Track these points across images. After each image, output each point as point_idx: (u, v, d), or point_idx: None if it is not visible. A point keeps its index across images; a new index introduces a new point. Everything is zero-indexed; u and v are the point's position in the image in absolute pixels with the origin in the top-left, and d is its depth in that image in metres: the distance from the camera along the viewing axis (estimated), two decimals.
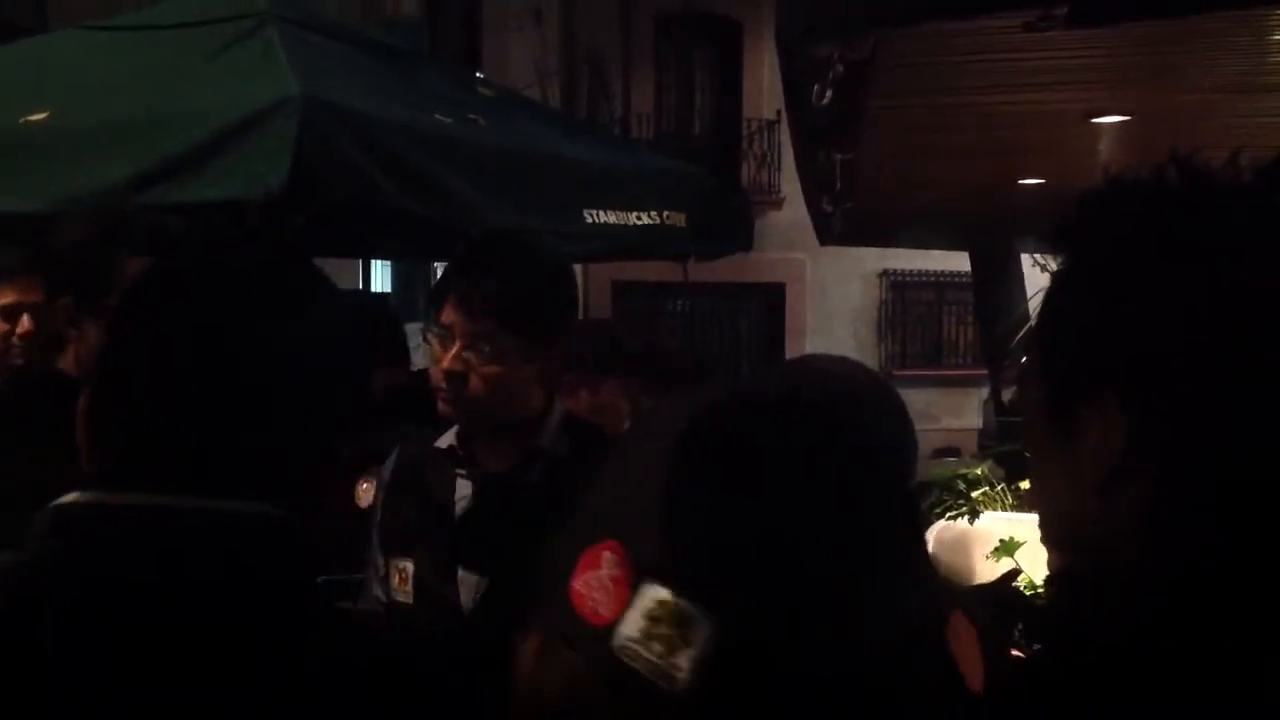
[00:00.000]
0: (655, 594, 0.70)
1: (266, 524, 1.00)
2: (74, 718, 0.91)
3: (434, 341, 2.03)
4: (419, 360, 8.96)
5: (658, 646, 0.69)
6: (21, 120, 3.58)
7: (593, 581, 0.72)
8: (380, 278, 17.15)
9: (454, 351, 1.98)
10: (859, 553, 0.72)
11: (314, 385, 1.05)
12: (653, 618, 0.69)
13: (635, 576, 0.71)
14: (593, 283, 13.02)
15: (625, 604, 0.71)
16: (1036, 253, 8.18)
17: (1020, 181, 6.44)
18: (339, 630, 1.05)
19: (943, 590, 0.80)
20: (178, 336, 1.02)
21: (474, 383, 1.98)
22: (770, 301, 17.02)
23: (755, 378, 0.93)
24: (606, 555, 0.72)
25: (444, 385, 2.00)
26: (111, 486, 0.99)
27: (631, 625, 0.70)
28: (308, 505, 1.06)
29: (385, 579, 2.12)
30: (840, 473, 0.75)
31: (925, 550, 0.79)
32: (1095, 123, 4.87)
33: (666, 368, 3.05)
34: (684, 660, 0.68)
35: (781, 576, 0.70)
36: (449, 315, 2.00)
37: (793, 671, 0.69)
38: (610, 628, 0.71)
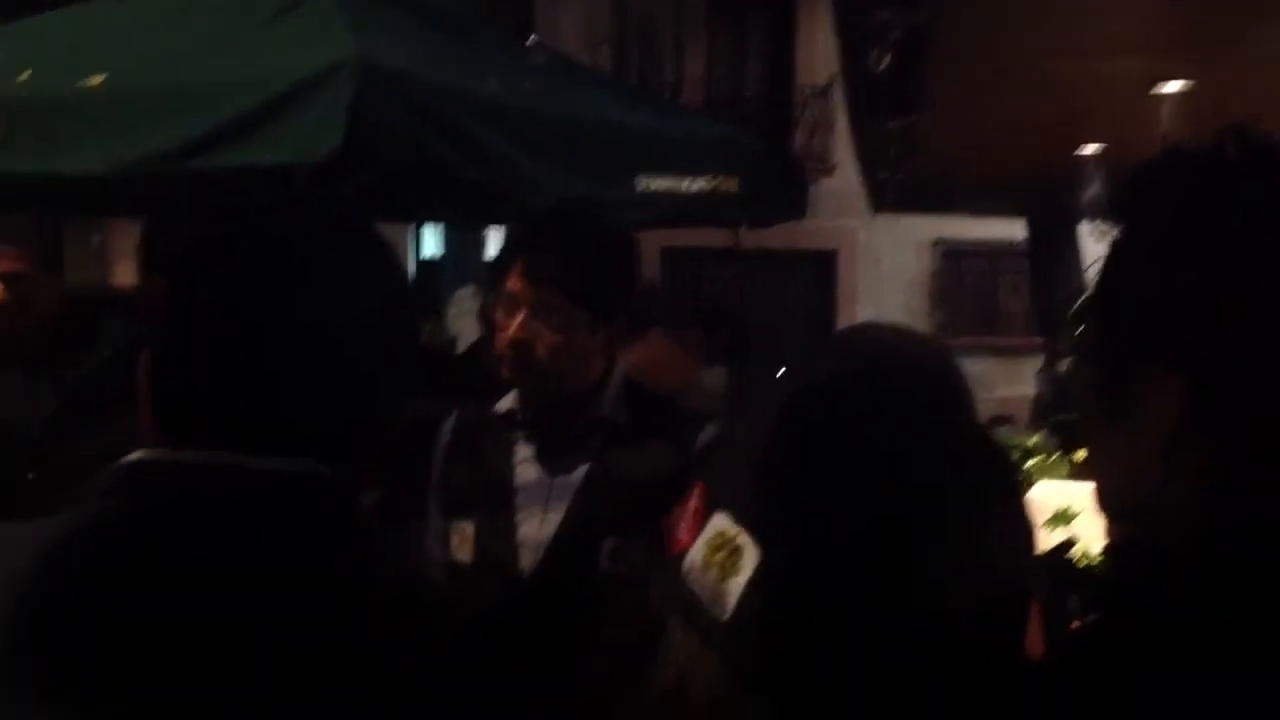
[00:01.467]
0: (719, 524, 0.75)
1: (320, 483, 1.01)
2: (128, 673, 0.92)
3: (500, 310, 2.05)
4: (467, 325, 9.01)
5: (714, 573, 0.74)
6: (78, 84, 3.62)
7: (681, 513, 0.76)
8: (432, 242, 17.25)
9: (520, 320, 2.00)
10: (908, 518, 0.73)
11: (365, 348, 1.06)
12: (714, 546, 0.74)
13: (709, 508, 0.76)
14: (643, 249, 12.99)
15: (697, 533, 0.76)
16: (1094, 221, 8.08)
17: (1080, 149, 6.36)
18: (392, 590, 1.06)
19: (1026, 562, 0.80)
20: (230, 300, 1.03)
21: (539, 351, 2.00)
22: (821, 269, 16.92)
23: (824, 351, 0.95)
24: (697, 490, 0.78)
25: (509, 353, 2.02)
26: (169, 445, 1.01)
27: (697, 552, 0.75)
28: (363, 466, 1.07)
29: (444, 539, 2.15)
30: (889, 443, 0.75)
31: (1011, 519, 0.79)
32: (1157, 91, 4.80)
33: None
34: (732, 587, 0.72)
35: (824, 526, 0.73)
36: (515, 284, 2.02)
37: (836, 625, 0.70)
38: (683, 554, 0.76)
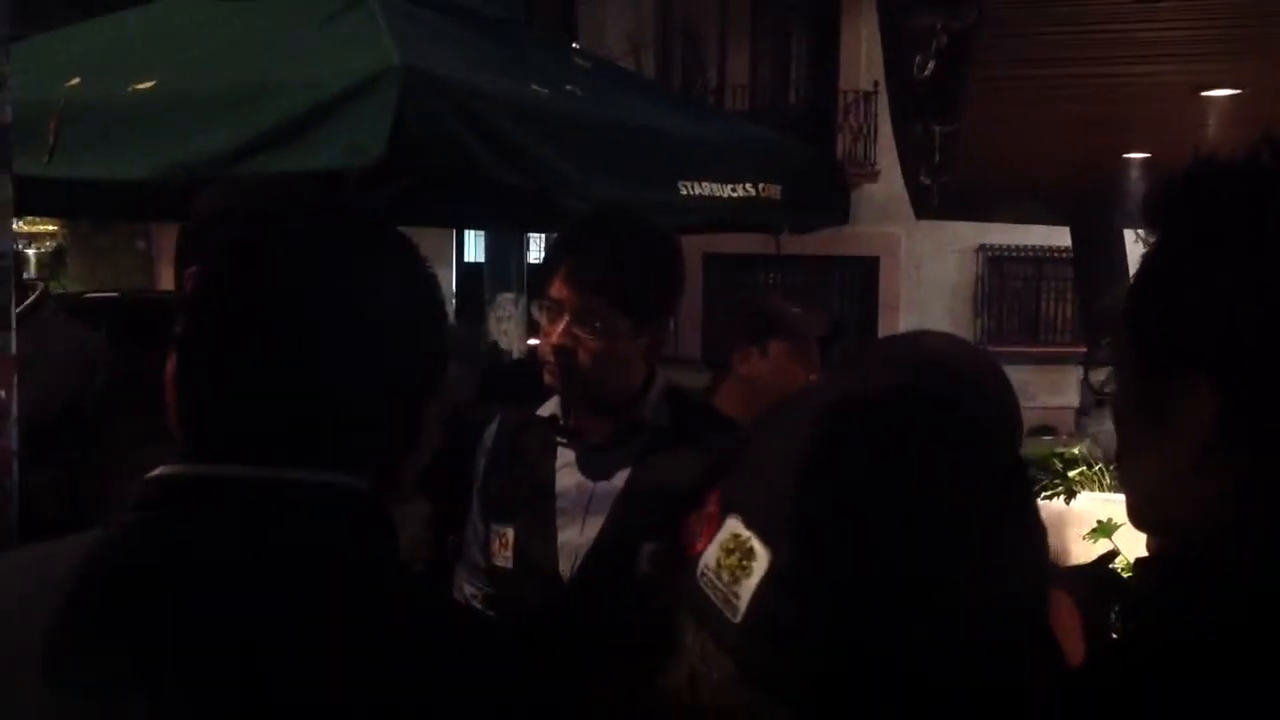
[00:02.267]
0: (733, 526, 0.75)
1: (349, 496, 1.00)
2: (158, 690, 0.92)
3: (542, 315, 2.06)
4: (510, 330, 9.02)
5: (726, 575, 0.74)
6: (129, 88, 3.66)
7: (697, 516, 0.76)
8: (474, 247, 17.30)
9: (562, 327, 2.01)
10: (935, 530, 0.73)
11: (393, 357, 1.05)
12: (727, 549, 0.74)
13: (724, 512, 0.76)
14: (684, 254, 12.97)
15: (713, 537, 0.76)
16: (1140, 229, 8.00)
17: (1125, 155, 6.31)
18: (423, 605, 1.05)
19: (1045, 570, 0.80)
20: (254, 307, 1.02)
21: (581, 357, 2.01)
22: (864, 276, 16.86)
23: (873, 359, 0.94)
24: (713, 495, 0.78)
25: (552, 359, 2.03)
26: (197, 458, 1.00)
27: (710, 554, 0.75)
28: (389, 478, 1.06)
29: (485, 544, 2.16)
30: (924, 457, 0.76)
31: (1029, 528, 0.79)
32: (1205, 96, 4.76)
33: (818, 331, 3.12)
34: (744, 590, 0.72)
35: (841, 532, 0.73)
36: (559, 290, 2.02)
37: (856, 632, 0.70)
38: (698, 557, 0.76)
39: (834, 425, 0.77)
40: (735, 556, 0.73)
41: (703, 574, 0.75)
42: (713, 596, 0.74)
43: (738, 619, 0.72)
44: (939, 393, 0.83)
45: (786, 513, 0.73)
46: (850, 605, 0.70)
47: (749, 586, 0.72)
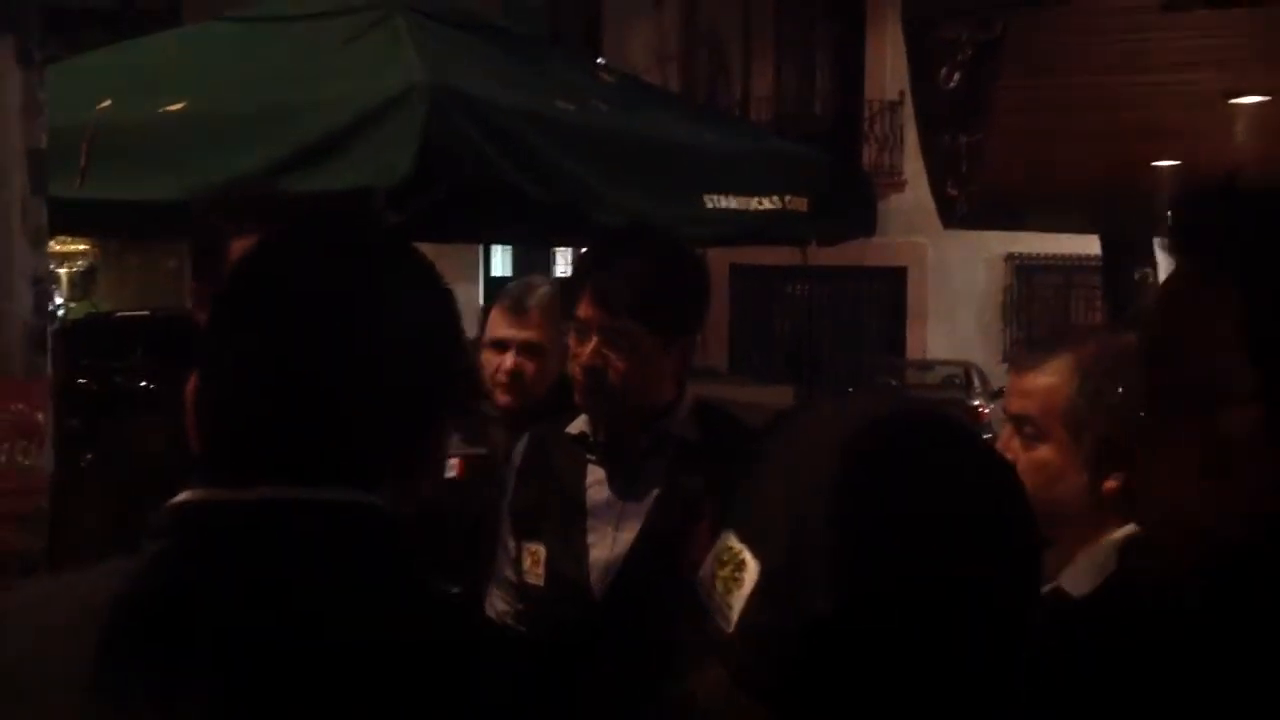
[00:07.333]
0: (727, 539, 0.77)
1: (370, 514, 1.00)
2: (193, 707, 0.92)
3: (570, 336, 2.06)
4: None
5: (720, 586, 0.76)
6: (160, 110, 3.70)
7: (703, 531, 0.78)
8: (501, 261, 17.38)
9: (591, 347, 2.01)
10: (919, 543, 0.74)
11: (410, 375, 1.04)
12: (721, 561, 0.77)
13: (720, 527, 0.79)
14: (711, 267, 12.98)
15: (710, 550, 0.79)
16: (1170, 237, 7.97)
17: (1154, 164, 6.28)
18: (448, 621, 1.05)
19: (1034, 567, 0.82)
20: (270, 327, 1.02)
21: (611, 377, 2.01)
22: (892, 286, 16.82)
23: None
24: (712, 511, 0.82)
25: (581, 379, 2.03)
26: (219, 482, 1.00)
27: (707, 566, 0.78)
28: (406, 495, 1.06)
29: (517, 561, 2.16)
30: (912, 472, 0.77)
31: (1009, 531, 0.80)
32: (1234, 103, 4.73)
33: None
34: (735, 600, 0.75)
35: (826, 544, 0.74)
36: (586, 310, 2.03)
37: (834, 642, 0.71)
38: (697, 568, 0.79)
39: (826, 444, 0.78)
40: (729, 568, 0.76)
41: (700, 585, 0.77)
42: (708, 607, 0.76)
43: (730, 628, 0.74)
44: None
45: (777, 526, 0.74)
46: (835, 615, 0.72)
47: (740, 597, 0.74)
